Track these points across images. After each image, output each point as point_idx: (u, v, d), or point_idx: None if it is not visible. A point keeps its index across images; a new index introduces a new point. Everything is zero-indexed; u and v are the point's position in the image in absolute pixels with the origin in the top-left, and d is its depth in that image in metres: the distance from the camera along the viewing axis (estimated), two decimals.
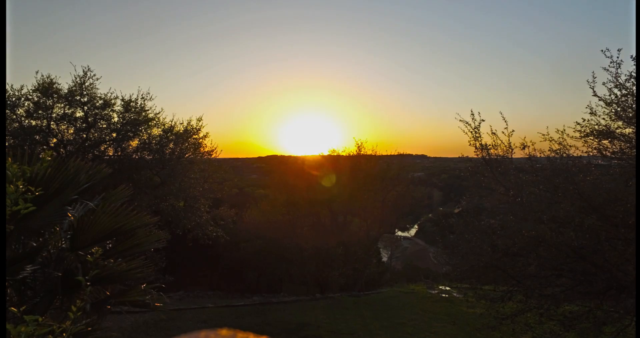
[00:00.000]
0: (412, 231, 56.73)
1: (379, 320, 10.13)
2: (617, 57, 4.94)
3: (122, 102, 10.48)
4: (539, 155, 6.08)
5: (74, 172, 2.66)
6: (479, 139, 6.53)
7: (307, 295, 13.53)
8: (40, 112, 9.91)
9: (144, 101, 10.59)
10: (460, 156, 7.23)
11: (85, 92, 10.13)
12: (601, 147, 5.33)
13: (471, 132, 6.54)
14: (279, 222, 17.22)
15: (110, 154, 10.82)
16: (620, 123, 5.16)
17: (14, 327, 1.55)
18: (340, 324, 9.54)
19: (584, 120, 5.42)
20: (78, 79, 10.00)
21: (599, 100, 5.25)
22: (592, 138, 5.36)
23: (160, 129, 11.09)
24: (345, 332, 8.99)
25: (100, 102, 10.33)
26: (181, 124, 11.25)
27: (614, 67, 4.97)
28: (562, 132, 5.75)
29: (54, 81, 9.92)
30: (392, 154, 17.37)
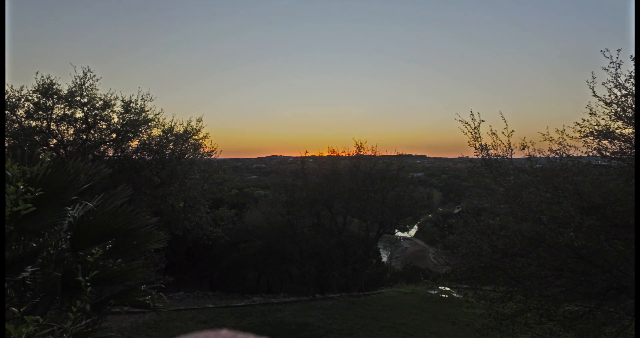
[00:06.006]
0: (412, 232, 56.68)
1: (379, 320, 10.12)
2: (617, 58, 4.96)
3: (122, 103, 10.47)
4: (538, 155, 6.08)
5: (73, 173, 2.66)
6: (479, 139, 6.54)
7: (307, 296, 13.52)
8: (40, 113, 9.90)
9: (143, 101, 10.58)
10: (460, 156, 7.24)
11: (85, 93, 10.11)
12: (601, 147, 5.34)
13: (471, 132, 6.55)
14: (279, 222, 17.24)
15: (110, 154, 10.81)
16: (620, 123, 5.16)
17: (15, 328, 1.55)
18: (340, 324, 9.54)
19: (584, 120, 5.42)
20: (78, 79, 9.98)
21: (599, 100, 5.26)
22: (591, 138, 5.37)
23: (160, 130, 11.08)
24: (345, 332, 8.99)
25: (100, 103, 10.31)
26: (181, 124, 11.25)
27: (613, 67, 4.98)
28: (562, 132, 5.76)
29: (54, 81, 9.90)
30: (392, 154, 17.38)
